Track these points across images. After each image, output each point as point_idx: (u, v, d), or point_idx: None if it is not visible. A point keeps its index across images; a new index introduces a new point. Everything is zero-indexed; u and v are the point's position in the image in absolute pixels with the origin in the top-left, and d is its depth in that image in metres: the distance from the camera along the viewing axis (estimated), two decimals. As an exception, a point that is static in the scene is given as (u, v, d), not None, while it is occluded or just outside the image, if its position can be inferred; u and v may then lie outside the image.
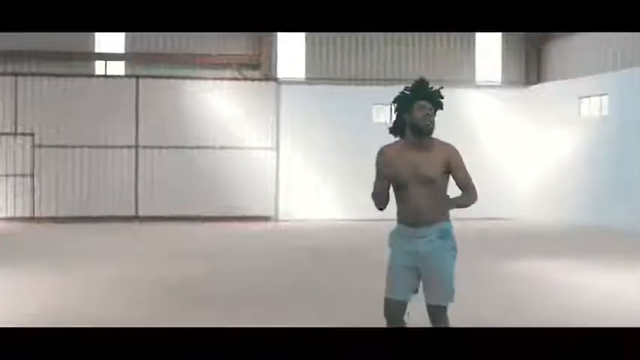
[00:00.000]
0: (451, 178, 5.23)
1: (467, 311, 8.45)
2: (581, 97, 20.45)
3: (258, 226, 19.79)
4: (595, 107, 19.97)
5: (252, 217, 20.91)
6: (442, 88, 5.37)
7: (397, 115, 5.33)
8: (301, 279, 11.00)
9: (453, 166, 5.19)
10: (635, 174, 17.82)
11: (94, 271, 11.64)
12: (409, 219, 5.21)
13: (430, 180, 5.12)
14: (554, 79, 22.25)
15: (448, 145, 5.31)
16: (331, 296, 9.57)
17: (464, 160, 5.24)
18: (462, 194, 5.25)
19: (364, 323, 6.16)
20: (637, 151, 17.79)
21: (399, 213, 5.33)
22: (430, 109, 5.21)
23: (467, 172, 5.26)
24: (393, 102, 5.34)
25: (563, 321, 8.07)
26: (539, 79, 23.31)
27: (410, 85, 5.33)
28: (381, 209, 5.29)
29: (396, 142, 5.34)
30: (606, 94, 19.30)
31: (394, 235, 5.35)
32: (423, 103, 5.19)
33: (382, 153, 5.27)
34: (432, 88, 5.29)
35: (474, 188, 5.24)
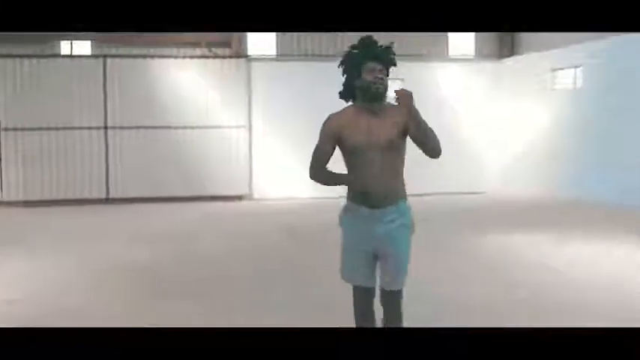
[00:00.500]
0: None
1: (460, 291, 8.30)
2: (554, 70, 20.30)
3: (232, 205, 19.54)
4: (569, 79, 19.82)
5: (226, 196, 20.64)
6: (393, 44, 4.89)
7: (346, 78, 4.91)
8: (274, 260, 10.79)
9: (409, 116, 4.61)
10: (611, 146, 17.72)
11: (58, 256, 11.36)
12: (366, 197, 4.74)
13: (387, 143, 4.69)
14: (528, 51, 22.05)
15: (400, 102, 4.68)
16: (305, 277, 9.37)
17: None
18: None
19: (339, 303, 5.95)
20: (611, 122, 17.66)
21: (351, 188, 4.86)
22: (381, 70, 4.78)
23: (422, 122, 4.61)
24: (340, 63, 4.94)
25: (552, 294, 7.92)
26: (512, 52, 23.09)
27: (356, 43, 4.89)
28: (323, 180, 4.84)
29: (345, 108, 4.92)
30: (580, 66, 19.15)
31: (347, 215, 4.88)
32: (372, 64, 4.77)
33: (330, 119, 4.86)
34: (380, 46, 4.84)
35: (432, 131, 4.65)
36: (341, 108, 4.89)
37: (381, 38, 4.91)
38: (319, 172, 4.84)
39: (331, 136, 4.80)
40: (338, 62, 4.98)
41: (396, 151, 4.76)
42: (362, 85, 4.77)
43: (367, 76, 4.75)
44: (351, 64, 4.87)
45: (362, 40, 4.89)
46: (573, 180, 18.79)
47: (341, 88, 4.93)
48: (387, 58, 4.85)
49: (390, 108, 4.79)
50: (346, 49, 4.99)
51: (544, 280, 9.03)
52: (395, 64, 4.90)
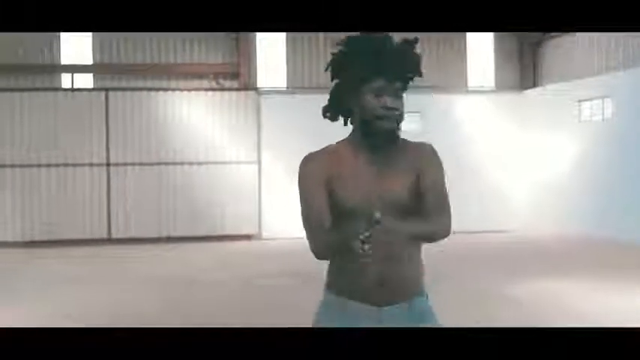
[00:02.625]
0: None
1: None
2: (581, 101, 19.22)
3: (239, 245, 18.50)
4: (597, 110, 18.73)
5: (234, 235, 19.61)
6: (417, 39, 3.19)
7: (336, 87, 3.21)
8: (277, 310, 9.67)
9: (422, 176, 3.14)
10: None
11: (42, 303, 10.48)
12: (359, 287, 3.10)
13: (397, 206, 3.09)
14: (552, 82, 21.00)
15: (422, 144, 3.25)
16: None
17: (446, 172, 3.26)
18: (425, 220, 3.10)
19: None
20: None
21: (335, 271, 3.21)
22: (396, 90, 3.08)
23: (443, 190, 3.18)
24: (329, 66, 3.18)
25: None
26: (535, 83, 22.04)
27: (351, 39, 3.13)
28: (336, 246, 3.02)
29: (333, 146, 3.23)
30: (609, 97, 18.05)
31: (327, 314, 3.20)
32: (380, 83, 3.04)
33: (311, 161, 3.17)
34: (395, 47, 3.11)
35: (447, 217, 3.16)
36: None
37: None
38: (326, 239, 3.09)
39: (321, 183, 3.13)
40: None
41: (410, 217, 3.11)
42: (362, 116, 3.10)
43: (371, 102, 3.06)
44: (345, 75, 3.16)
45: (364, 37, 3.15)
46: (607, 219, 17.61)
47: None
48: (406, 68, 3.14)
49: (408, 147, 3.21)
50: (337, 47, 3.19)
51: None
52: (421, 74, 3.22)
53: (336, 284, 3.19)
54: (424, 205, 3.11)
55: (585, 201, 18.50)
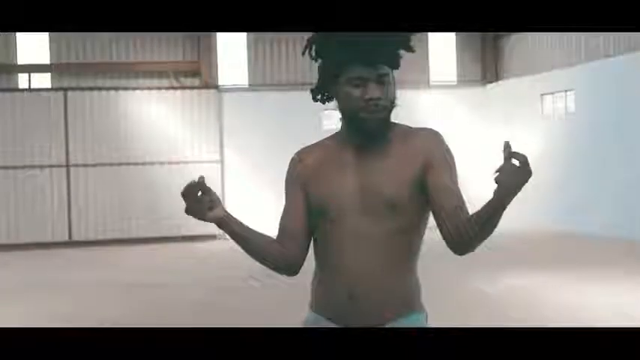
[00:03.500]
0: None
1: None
2: (543, 94, 19.26)
3: (203, 246, 18.28)
4: (560, 104, 18.78)
5: (198, 236, 19.35)
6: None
7: (320, 71, 2.80)
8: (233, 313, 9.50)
9: (428, 171, 2.71)
10: (606, 176, 16.62)
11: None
12: (345, 305, 2.71)
13: (388, 209, 2.67)
14: (513, 76, 21.04)
15: (423, 132, 2.83)
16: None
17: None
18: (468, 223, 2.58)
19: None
20: (608, 150, 16.56)
21: (320, 285, 2.83)
22: (381, 78, 2.65)
23: (454, 188, 2.75)
24: (307, 47, 2.77)
25: None
26: (497, 77, 22.07)
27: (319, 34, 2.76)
28: (289, 271, 2.86)
29: (322, 141, 2.88)
30: (572, 90, 18.09)
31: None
32: (360, 70, 2.63)
33: (298, 162, 2.86)
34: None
35: (467, 218, 2.61)
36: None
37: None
38: (291, 258, 2.83)
39: (299, 188, 2.83)
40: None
41: (403, 221, 2.71)
42: (343, 109, 2.72)
43: (352, 93, 2.65)
44: (322, 62, 2.77)
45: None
46: (564, 212, 17.67)
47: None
48: (390, 55, 2.71)
49: (405, 135, 2.77)
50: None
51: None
52: (412, 49, 2.82)
53: (320, 301, 2.82)
54: (435, 204, 2.67)
55: (547, 195, 18.55)
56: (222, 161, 20.01)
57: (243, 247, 2.86)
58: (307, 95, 2.93)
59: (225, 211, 2.80)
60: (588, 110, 17.37)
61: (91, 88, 19.65)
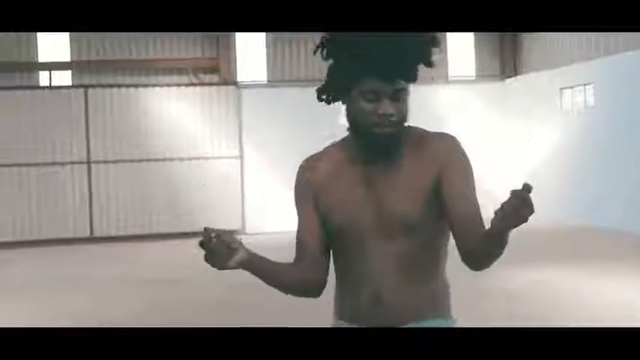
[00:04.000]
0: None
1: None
2: (562, 88, 19.20)
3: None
4: (579, 98, 18.71)
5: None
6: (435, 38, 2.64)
7: (329, 71, 2.72)
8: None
9: (443, 180, 2.59)
10: (625, 170, 16.53)
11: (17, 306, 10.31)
12: (373, 316, 2.66)
13: (403, 226, 2.60)
14: (533, 70, 20.96)
15: (440, 138, 2.70)
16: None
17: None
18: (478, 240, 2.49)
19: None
20: (627, 144, 16.48)
21: (342, 301, 2.78)
22: (396, 94, 2.54)
23: (473, 197, 2.67)
24: (319, 49, 2.70)
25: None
26: (516, 72, 22.00)
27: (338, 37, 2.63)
28: (315, 295, 2.79)
29: (330, 148, 2.79)
30: (591, 84, 18.02)
31: None
32: (374, 84, 2.50)
33: (307, 170, 2.82)
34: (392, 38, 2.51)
35: (481, 226, 2.55)
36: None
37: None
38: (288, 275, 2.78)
39: (309, 198, 2.77)
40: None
41: (422, 236, 2.63)
42: (353, 121, 2.61)
43: (365, 108, 2.53)
44: (333, 67, 2.68)
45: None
46: (589, 207, 17.59)
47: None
48: (408, 69, 2.55)
49: (420, 142, 2.66)
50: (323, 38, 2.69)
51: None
52: (430, 65, 2.62)
53: (338, 306, 2.79)
54: (450, 214, 2.57)
55: (567, 190, 18.49)
56: (241, 157, 20.09)
57: (268, 283, 2.77)
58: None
59: (247, 252, 2.66)
60: (607, 104, 17.29)
61: (111, 86, 19.79)
